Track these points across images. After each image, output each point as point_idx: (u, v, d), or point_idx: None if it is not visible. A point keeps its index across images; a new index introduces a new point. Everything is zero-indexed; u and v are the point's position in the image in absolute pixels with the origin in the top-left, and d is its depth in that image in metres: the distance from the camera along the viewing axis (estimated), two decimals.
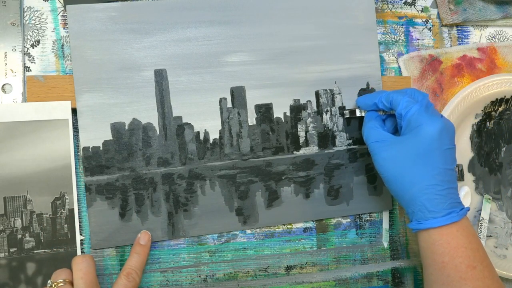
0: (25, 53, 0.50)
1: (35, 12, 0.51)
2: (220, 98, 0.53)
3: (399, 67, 0.60)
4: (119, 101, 0.51)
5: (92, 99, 0.50)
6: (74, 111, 0.50)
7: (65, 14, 0.51)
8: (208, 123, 0.53)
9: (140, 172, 0.51)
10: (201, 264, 0.53)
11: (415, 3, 0.61)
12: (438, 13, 0.61)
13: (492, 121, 0.62)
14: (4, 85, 0.49)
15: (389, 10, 0.60)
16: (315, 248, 0.57)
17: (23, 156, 0.48)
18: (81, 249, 0.50)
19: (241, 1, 0.54)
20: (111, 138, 0.50)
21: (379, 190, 0.57)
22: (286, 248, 0.56)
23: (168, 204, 0.52)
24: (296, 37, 0.55)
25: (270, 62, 0.54)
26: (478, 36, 0.63)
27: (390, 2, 0.60)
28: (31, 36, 0.50)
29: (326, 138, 0.56)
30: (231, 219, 0.53)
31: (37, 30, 0.51)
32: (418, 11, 0.61)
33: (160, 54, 0.52)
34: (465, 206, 0.48)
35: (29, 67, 0.50)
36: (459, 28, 0.62)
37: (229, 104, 0.53)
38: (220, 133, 0.53)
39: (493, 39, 0.63)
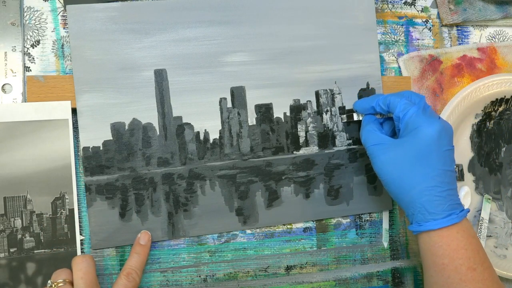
0: (25, 53, 0.50)
1: (35, 12, 0.51)
2: (220, 98, 0.53)
3: (399, 67, 0.60)
4: (119, 101, 0.51)
5: (92, 99, 0.50)
6: (74, 111, 0.50)
7: (65, 14, 0.51)
8: (208, 123, 0.53)
9: (140, 172, 0.51)
10: (201, 264, 0.53)
11: (415, 3, 0.61)
12: (438, 13, 0.61)
13: (492, 121, 0.62)
14: (4, 85, 0.49)
15: (389, 10, 0.60)
16: (315, 248, 0.57)
17: (23, 156, 0.48)
18: (81, 249, 0.50)
19: (241, 1, 0.54)
20: (111, 138, 0.50)
21: (379, 190, 0.57)
22: (286, 248, 0.56)
23: (168, 204, 0.52)
24: (296, 37, 0.55)
25: (270, 62, 0.54)
26: (478, 36, 0.63)
27: (390, 2, 0.60)
28: (31, 36, 0.50)
29: (326, 138, 0.56)
30: (231, 219, 0.53)
31: (37, 30, 0.51)
32: (418, 11, 0.61)
33: (160, 54, 0.52)
34: (465, 207, 0.48)
35: (29, 67, 0.50)
36: (459, 28, 0.62)
37: (229, 104, 0.53)
38: (220, 133, 0.53)
39: (493, 39, 0.63)
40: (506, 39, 0.63)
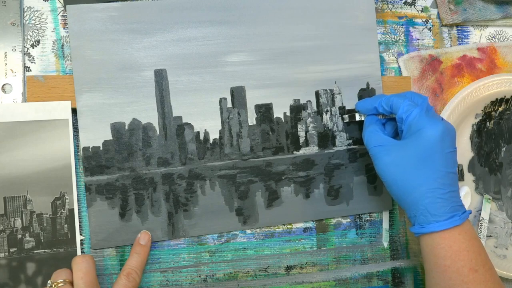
0: (25, 53, 0.50)
1: (35, 12, 0.51)
2: (220, 98, 0.53)
3: (399, 67, 0.60)
4: (119, 101, 0.51)
5: (92, 99, 0.50)
6: (74, 111, 0.50)
7: (65, 14, 0.51)
8: (208, 123, 0.53)
9: (140, 172, 0.51)
10: (201, 264, 0.53)
11: (415, 3, 0.61)
12: (438, 13, 0.61)
13: (492, 121, 0.62)
14: (4, 85, 0.49)
15: (389, 10, 0.60)
16: (315, 248, 0.57)
17: (23, 156, 0.48)
18: (81, 249, 0.50)
19: (241, 1, 0.54)
20: (111, 138, 0.50)
21: (379, 190, 0.57)
22: (286, 248, 0.56)
23: (168, 204, 0.52)
24: (296, 37, 0.55)
25: (270, 62, 0.54)
26: (478, 36, 0.63)
27: (390, 2, 0.60)
28: (31, 36, 0.50)
29: (326, 138, 0.56)
30: (231, 219, 0.53)
31: (37, 30, 0.51)
32: (418, 11, 0.61)
33: (160, 54, 0.52)
34: (466, 208, 0.48)
35: (29, 67, 0.50)
36: (459, 28, 0.62)
37: (229, 104, 0.53)
38: (220, 133, 0.53)
39: (493, 39, 0.63)
40: (506, 39, 0.63)
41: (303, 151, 0.55)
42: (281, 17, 0.55)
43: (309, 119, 0.56)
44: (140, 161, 0.51)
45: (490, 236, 0.62)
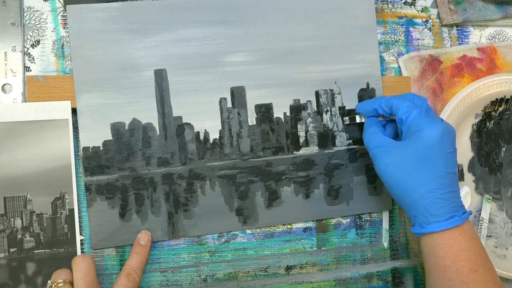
0: (25, 53, 0.50)
1: (35, 12, 0.51)
2: (220, 98, 0.53)
3: (399, 67, 0.60)
4: (119, 101, 0.51)
5: (92, 99, 0.50)
6: (74, 111, 0.50)
7: (65, 14, 0.51)
8: (208, 123, 0.53)
9: (140, 172, 0.51)
10: (201, 264, 0.53)
11: (415, 3, 0.61)
12: (438, 13, 0.61)
13: (492, 121, 0.62)
14: (4, 85, 0.49)
15: (389, 10, 0.60)
16: (315, 248, 0.57)
17: (23, 156, 0.48)
18: (81, 249, 0.50)
19: (241, 1, 0.53)
20: (111, 138, 0.50)
21: (379, 190, 0.57)
22: (286, 248, 0.56)
23: (168, 204, 0.52)
24: (296, 37, 0.55)
25: (270, 62, 0.54)
26: (478, 36, 0.63)
27: (390, 2, 0.60)
28: (31, 36, 0.50)
29: (326, 138, 0.56)
30: (231, 219, 0.53)
31: (37, 30, 0.51)
32: (418, 11, 0.61)
33: (160, 54, 0.52)
34: (466, 208, 0.48)
35: (29, 67, 0.50)
36: (459, 28, 0.62)
37: (229, 104, 0.53)
38: (220, 133, 0.53)
39: (493, 39, 0.63)
40: (506, 39, 0.63)
41: (303, 151, 0.55)
42: (281, 17, 0.55)
43: (309, 119, 0.56)
44: (140, 161, 0.51)
45: (490, 236, 0.62)
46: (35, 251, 0.48)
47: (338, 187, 0.56)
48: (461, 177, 0.61)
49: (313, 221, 0.57)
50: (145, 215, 0.51)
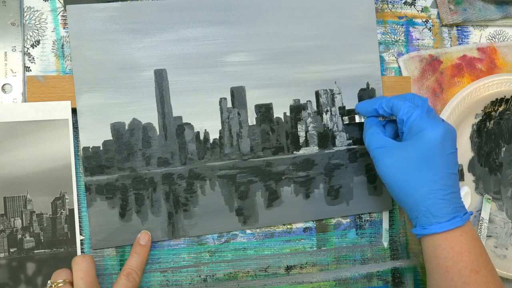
0: (25, 53, 0.50)
1: (35, 12, 0.51)
2: (220, 98, 0.53)
3: (399, 67, 0.60)
4: (119, 101, 0.51)
5: (92, 99, 0.50)
6: (74, 111, 0.50)
7: (65, 14, 0.51)
8: (208, 123, 0.53)
9: (140, 172, 0.51)
10: (201, 264, 0.53)
11: (415, 3, 0.61)
12: (438, 13, 0.61)
13: (492, 121, 0.62)
14: (4, 85, 0.49)
15: (389, 10, 0.60)
16: (315, 248, 0.57)
17: (23, 156, 0.48)
18: (81, 249, 0.50)
19: (241, 1, 0.53)
20: (111, 138, 0.50)
21: (379, 190, 0.57)
22: (286, 248, 0.56)
23: (168, 204, 0.52)
24: (296, 37, 0.55)
25: (270, 62, 0.54)
26: (478, 36, 0.63)
27: (390, 2, 0.60)
28: (31, 36, 0.50)
29: (326, 138, 0.56)
30: (231, 219, 0.53)
31: (37, 30, 0.51)
32: (418, 11, 0.61)
33: (160, 54, 0.52)
34: (466, 208, 0.48)
35: (29, 67, 0.50)
36: (459, 28, 0.62)
37: (229, 104, 0.53)
38: (220, 133, 0.53)
39: (493, 39, 0.63)
40: (506, 39, 0.63)
41: (303, 151, 0.55)
42: (281, 17, 0.55)
43: (309, 119, 0.56)
44: (140, 161, 0.51)
45: (490, 236, 0.62)
46: (35, 251, 0.48)
47: (338, 187, 0.56)
48: (461, 177, 0.61)
49: (313, 221, 0.57)
50: (145, 215, 0.51)
